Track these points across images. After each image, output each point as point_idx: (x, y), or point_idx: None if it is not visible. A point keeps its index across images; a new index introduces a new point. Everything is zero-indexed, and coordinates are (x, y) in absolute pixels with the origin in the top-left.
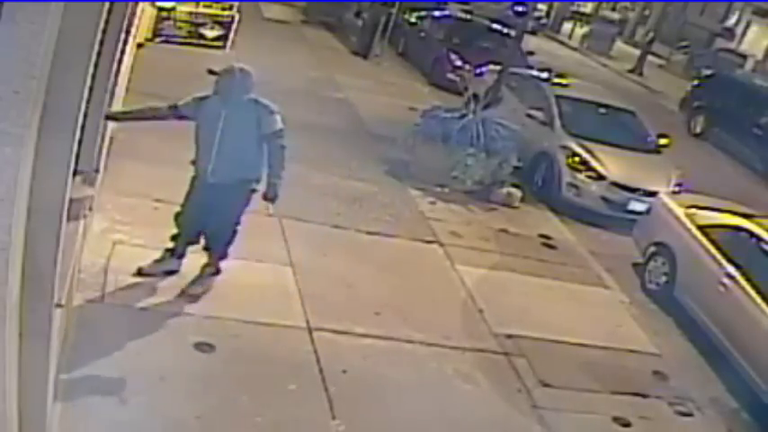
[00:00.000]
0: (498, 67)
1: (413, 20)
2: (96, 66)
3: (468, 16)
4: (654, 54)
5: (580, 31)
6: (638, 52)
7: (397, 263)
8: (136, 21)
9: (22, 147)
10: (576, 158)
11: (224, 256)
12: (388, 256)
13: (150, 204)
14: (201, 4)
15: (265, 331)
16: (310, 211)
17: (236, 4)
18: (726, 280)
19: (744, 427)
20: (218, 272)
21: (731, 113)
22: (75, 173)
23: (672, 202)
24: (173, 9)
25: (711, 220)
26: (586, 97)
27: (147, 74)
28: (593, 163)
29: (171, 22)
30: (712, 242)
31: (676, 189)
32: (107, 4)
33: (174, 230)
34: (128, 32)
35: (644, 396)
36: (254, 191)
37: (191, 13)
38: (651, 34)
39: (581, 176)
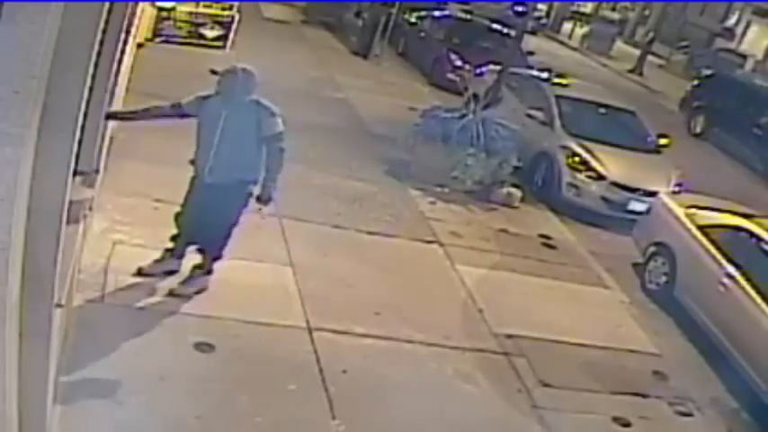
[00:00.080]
0: (498, 67)
1: (413, 20)
2: (96, 66)
3: (468, 16)
4: (654, 54)
5: (580, 31)
6: (638, 52)
7: (397, 263)
8: (136, 21)
9: (21, 147)
10: (576, 158)
11: (218, 257)
12: (388, 256)
13: (150, 204)
14: (201, 4)
15: (265, 331)
16: (310, 211)
17: (236, 4)
18: (726, 280)
19: (744, 427)
20: (209, 272)
21: (731, 113)
22: (75, 173)
23: (672, 202)
24: (173, 9)
25: (711, 220)
26: (586, 97)
27: (147, 74)
28: (593, 163)
29: (171, 22)
30: (712, 242)
31: (676, 189)
32: (107, 4)
33: (174, 231)
34: (128, 32)
35: (644, 396)
36: (251, 193)
37: (191, 13)
38: (651, 34)
39: (581, 176)
